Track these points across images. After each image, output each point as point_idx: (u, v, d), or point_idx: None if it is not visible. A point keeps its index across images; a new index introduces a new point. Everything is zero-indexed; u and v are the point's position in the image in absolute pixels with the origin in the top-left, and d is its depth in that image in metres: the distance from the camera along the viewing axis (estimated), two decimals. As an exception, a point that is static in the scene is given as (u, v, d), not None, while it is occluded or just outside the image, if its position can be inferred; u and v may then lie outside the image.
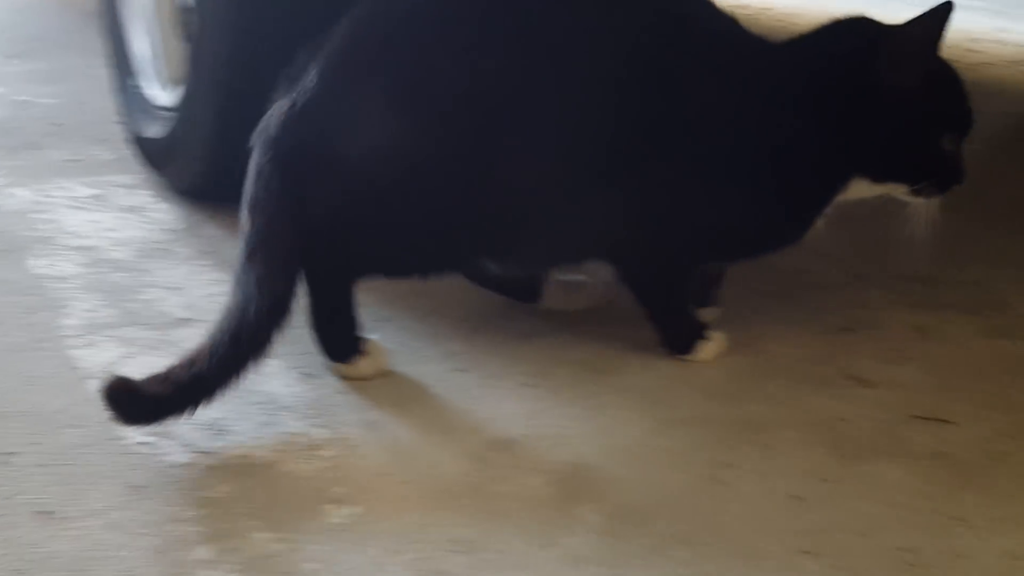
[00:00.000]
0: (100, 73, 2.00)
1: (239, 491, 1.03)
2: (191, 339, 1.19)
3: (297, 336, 1.34)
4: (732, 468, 1.10)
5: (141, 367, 1.11)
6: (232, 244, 1.64)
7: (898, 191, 1.24)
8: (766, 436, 1.16)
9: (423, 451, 1.12)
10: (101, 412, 1.06)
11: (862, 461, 1.12)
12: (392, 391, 1.23)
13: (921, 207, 1.23)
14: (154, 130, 1.79)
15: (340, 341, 1.25)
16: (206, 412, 1.12)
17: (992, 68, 2.82)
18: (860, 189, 1.25)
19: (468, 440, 1.14)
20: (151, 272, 1.50)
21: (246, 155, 1.64)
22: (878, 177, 1.23)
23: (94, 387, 1.08)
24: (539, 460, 1.11)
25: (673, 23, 1.24)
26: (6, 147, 1.98)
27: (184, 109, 1.67)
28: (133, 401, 1.07)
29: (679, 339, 1.31)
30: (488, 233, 1.22)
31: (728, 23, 1.28)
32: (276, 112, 1.21)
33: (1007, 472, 1.10)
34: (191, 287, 1.46)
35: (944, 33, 1.19)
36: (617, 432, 1.16)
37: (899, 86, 1.18)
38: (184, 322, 1.36)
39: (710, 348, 1.31)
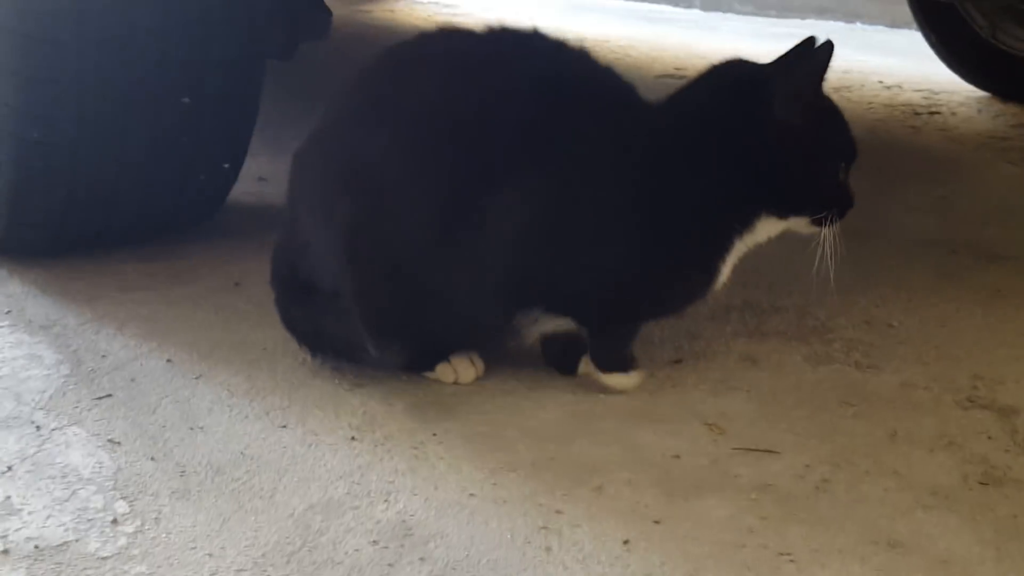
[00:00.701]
0: None
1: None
2: None
3: (102, 402, 1.26)
4: (563, 515, 1.07)
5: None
6: (44, 301, 1.55)
7: (800, 224, 1.26)
8: (599, 478, 1.14)
9: (236, 519, 1.04)
10: None
11: (692, 499, 1.10)
12: (207, 454, 1.15)
13: (828, 236, 1.25)
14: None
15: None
16: (-6, 491, 1.03)
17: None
18: (766, 228, 1.26)
19: (289, 503, 1.07)
20: (-58, 335, 1.38)
21: (47, 208, 1.55)
22: (783, 213, 1.24)
23: None
24: (363, 519, 1.05)
25: (568, 89, 1.24)
26: None
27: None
28: None
29: (610, 362, 1.30)
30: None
31: (617, 84, 1.29)
32: None
33: (829, 501, 1.11)
34: (-13, 350, 1.35)
35: (826, 69, 1.23)
36: (445, 484, 1.12)
37: (790, 123, 1.20)
38: (-23, 390, 1.25)
39: (634, 376, 1.31)
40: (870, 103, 2.85)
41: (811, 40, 1.22)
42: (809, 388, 1.34)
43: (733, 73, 1.25)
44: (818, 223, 1.24)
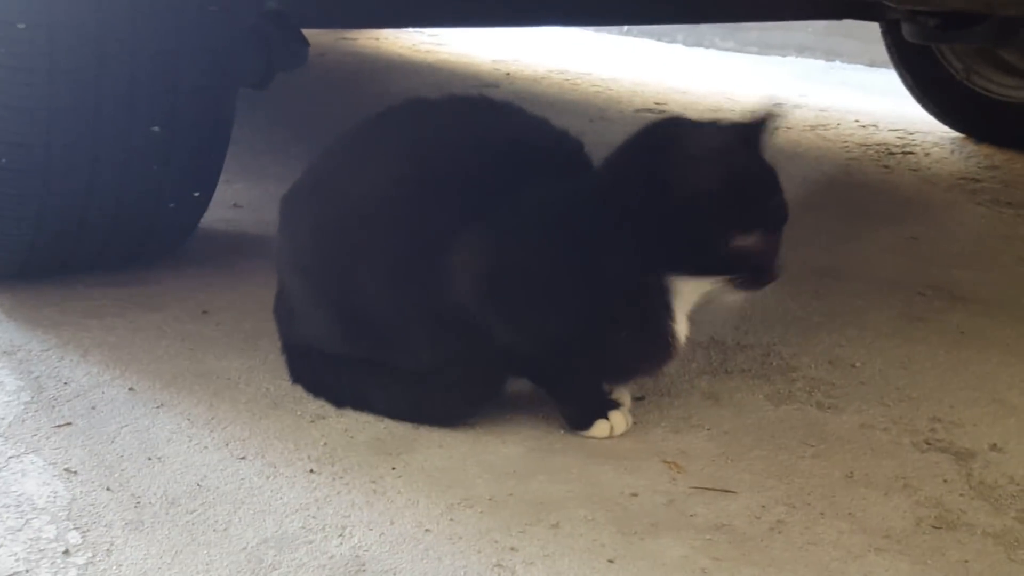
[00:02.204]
0: None
1: (-26, 609, 0.94)
2: None
3: (61, 430, 1.25)
4: (519, 552, 1.07)
5: None
6: (6, 327, 1.54)
7: (716, 288, 1.24)
8: (556, 515, 1.14)
9: (188, 551, 1.04)
10: None
11: (647, 538, 1.11)
12: (163, 484, 1.15)
13: (733, 300, 1.24)
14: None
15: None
16: (-55, 520, 1.02)
17: (790, 133, 2.95)
18: (691, 288, 1.25)
19: (243, 537, 1.07)
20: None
21: (16, 233, 1.55)
22: (690, 275, 1.23)
23: None
24: (317, 554, 1.05)
25: (514, 155, 1.27)
26: None
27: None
28: None
29: (575, 416, 1.31)
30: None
31: (565, 149, 1.31)
32: None
33: (783, 542, 1.11)
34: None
35: (754, 137, 1.22)
36: (401, 519, 1.12)
37: (691, 190, 1.19)
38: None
39: (603, 426, 1.30)
40: (845, 142, 2.88)
41: (765, 115, 1.22)
42: (770, 427, 1.35)
43: (653, 137, 1.25)
44: (736, 286, 1.22)
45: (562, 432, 1.30)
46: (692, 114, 3.17)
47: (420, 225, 1.26)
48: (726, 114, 3.20)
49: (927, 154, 2.79)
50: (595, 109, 3.20)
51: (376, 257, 1.28)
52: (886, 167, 2.66)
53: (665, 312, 1.24)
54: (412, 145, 1.30)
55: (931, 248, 2.08)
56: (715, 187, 1.20)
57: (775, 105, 1.23)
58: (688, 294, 1.25)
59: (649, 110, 3.18)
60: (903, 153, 2.79)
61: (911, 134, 2.98)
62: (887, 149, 2.82)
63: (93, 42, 1.47)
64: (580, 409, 1.31)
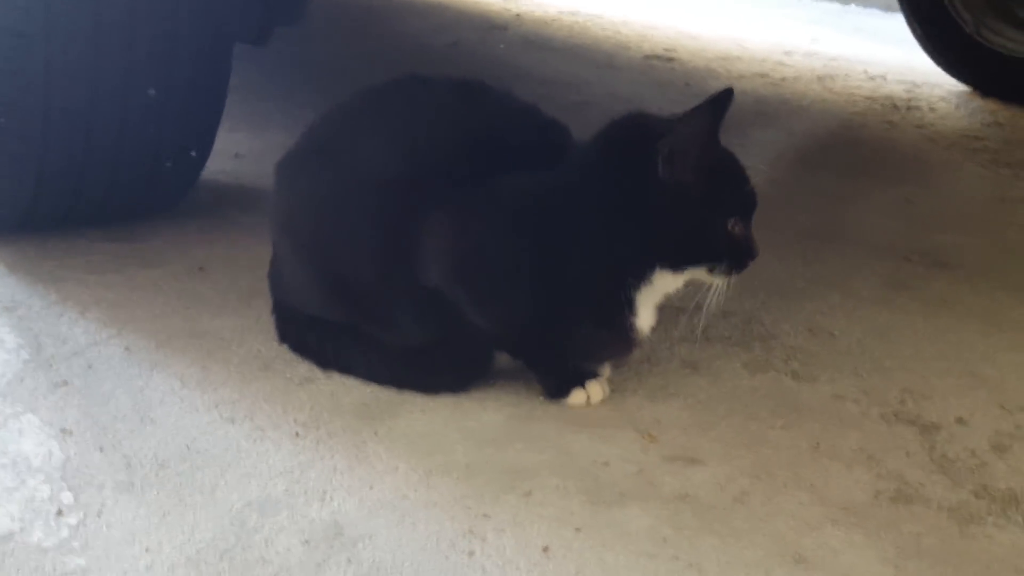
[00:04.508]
0: None
1: (-28, 568, 1.00)
2: None
3: (58, 389, 1.30)
4: (490, 519, 1.13)
5: None
6: (2, 282, 1.58)
7: (698, 275, 1.28)
8: (529, 483, 1.19)
9: (176, 513, 1.10)
10: None
11: (614, 507, 1.16)
12: (154, 446, 1.20)
13: (717, 286, 1.28)
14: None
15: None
16: (-55, 479, 1.08)
17: (798, 83, 2.94)
18: (665, 280, 1.28)
19: (228, 500, 1.13)
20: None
21: (16, 190, 1.59)
22: (675, 267, 1.27)
23: None
24: (297, 518, 1.11)
25: (498, 139, 1.30)
26: None
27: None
28: None
29: (552, 386, 1.35)
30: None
31: (550, 137, 1.33)
32: None
33: (744, 513, 1.16)
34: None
35: (720, 122, 1.24)
36: (381, 484, 1.17)
37: (676, 182, 1.23)
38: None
39: (579, 395, 1.34)
40: (852, 94, 2.87)
41: (720, 95, 1.23)
42: (743, 397, 1.39)
43: (626, 131, 1.28)
44: (717, 273, 1.27)
45: (541, 400, 1.35)
46: (700, 61, 3.18)
47: (404, 205, 1.29)
48: (734, 61, 3.19)
49: (932, 109, 2.78)
50: (603, 55, 3.19)
51: (364, 232, 1.31)
52: (890, 122, 2.65)
53: (626, 307, 1.28)
54: (405, 124, 1.33)
55: (923, 210, 2.10)
56: (712, 179, 1.24)
57: (728, 89, 1.24)
58: (663, 286, 1.29)
59: (658, 57, 3.17)
60: (908, 108, 2.78)
61: (918, 86, 2.97)
62: (893, 103, 2.81)
63: (90, 5, 1.49)
64: (557, 379, 1.35)
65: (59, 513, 1.08)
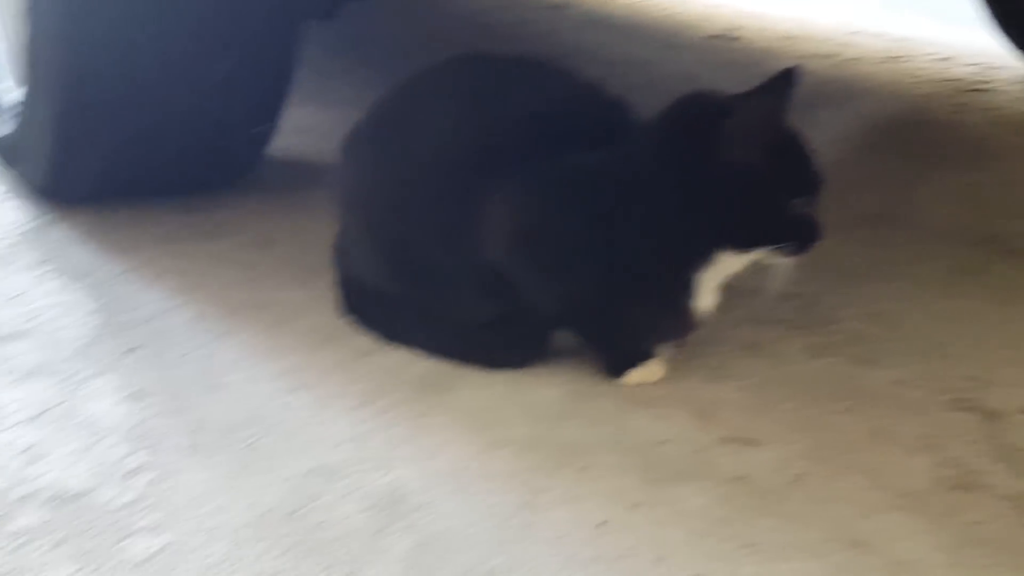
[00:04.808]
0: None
1: (46, 522, 1.04)
2: (25, 354, 1.17)
3: (131, 354, 1.34)
4: (546, 493, 1.14)
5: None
6: (84, 249, 1.64)
7: (762, 257, 1.28)
8: (586, 459, 1.20)
9: (241, 478, 1.13)
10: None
11: (670, 485, 1.16)
12: (222, 412, 1.24)
13: (783, 266, 1.28)
14: (6, 127, 1.76)
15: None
16: (23, 436, 1.12)
17: (864, 64, 2.90)
18: (729, 262, 1.28)
19: (289, 466, 1.16)
20: (-12, 279, 1.48)
21: (90, 161, 1.64)
22: (740, 247, 1.26)
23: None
24: (357, 486, 1.13)
25: (561, 120, 1.31)
26: None
27: (27, 110, 1.64)
28: None
29: (610, 365, 1.36)
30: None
31: (614, 118, 1.33)
32: None
33: (801, 495, 1.16)
34: (28, 298, 1.44)
35: (787, 101, 1.23)
36: (440, 455, 1.19)
37: (741, 161, 1.22)
38: (13, 336, 1.35)
39: (637, 374, 1.35)
40: (919, 77, 2.82)
41: (785, 73, 1.22)
42: (803, 380, 1.39)
43: (687, 111, 1.27)
44: (781, 255, 1.27)
45: (598, 378, 1.36)
46: (764, 41, 3.14)
47: (469, 181, 1.30)
48: (800, 41, 3.15)
49: (1002, 92, 2.72)
50: (664, 35, 3.16)
51: (429, 207, 1.33)
52: (958, 105, 2.60)
53: (688, 288, 1.28)
54: (469, 101, 1.34)
55: (991, 196, 2.06)
56: (777, 159, 1.23)
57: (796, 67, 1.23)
58: (725, 267, 1.29)
59: (721, 36, 3.14)
60: (977, 91, 2.72)
61: (988, 69, 2.90)
62: (962, 86, 2.76)
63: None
64: (615, 358, 1.36)
65: (129, 474, 1.11)
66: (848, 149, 2.29)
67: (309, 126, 2.15)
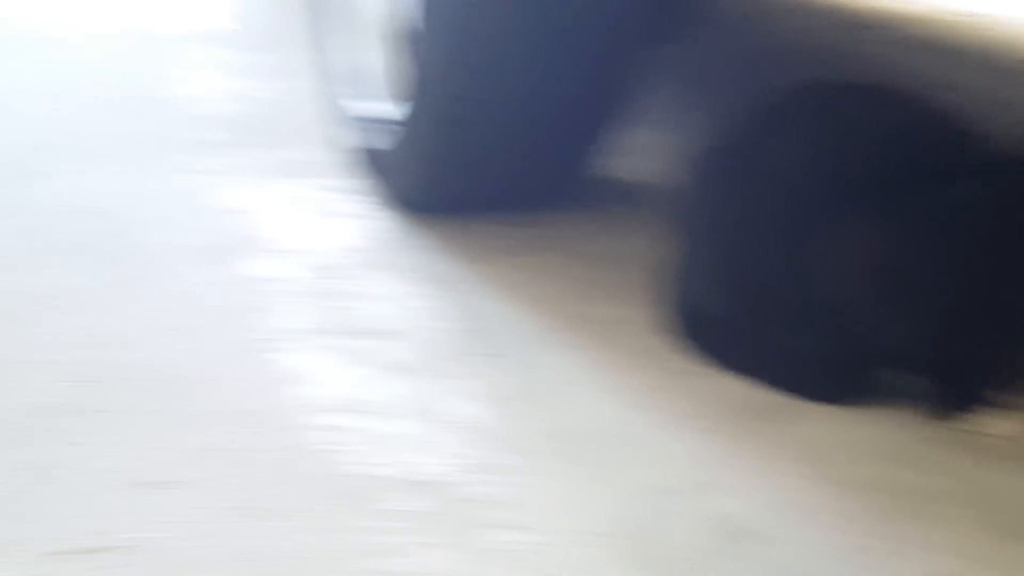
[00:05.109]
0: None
1: (415, 508, 1.15)
2: (392, 351, 1.28)
3: (493, 360, 1.42)
4: (888, 539, 1.12)
5: (339, 375, 1.24)
6: (443, 257, 1.77)
7: None
8: (931, 507, 1.17)
9: (585, 486, 1.19)
10: (295, 416, 1.19)
11: (1021, 542, 1.11)
12: (568, 420, 1.31)
13: None
14: (382, 141, 1.92)
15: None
16: (399, 426, 1.25)
17: None
18: None
19: (632, 480, 1.20)
20: (358, 280, 1.63)
21: (455, 177, 1.78)
22: None
23: (291, 391, 1.21)
24: (700, 508, 1.16)
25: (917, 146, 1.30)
26: (219, 144, 2.10)
27: (408, 128, 1.80)
28: None
29: (958, 409, 1.33)
30: None
31: (961, 141, 1.31)
32: None
33: None
34: (398, 299, 1.59)
35: None
36: (785, 487, 1.20)
37: None
38: (387, 334, 1.49)
39: (990, 423, 1.31)
40: None
41: None
42: None
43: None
44: None
45: (942, 423, 1.31)
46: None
47: (817, 211, 1.30)
48: None
49: None
50: (986, 57, 2.95)
51: (773, 235, 1.34)
52: None
53: None
54: (826, 131, 1.34)
55: None
56: None
57: None
58: None
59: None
60: None
61: None
62: None
63: (543, 11, 1.64)
64: (965, 403, 1.31)
65: (486, 471, 1.21)
66: None
67: (630, 147, 2.20)
